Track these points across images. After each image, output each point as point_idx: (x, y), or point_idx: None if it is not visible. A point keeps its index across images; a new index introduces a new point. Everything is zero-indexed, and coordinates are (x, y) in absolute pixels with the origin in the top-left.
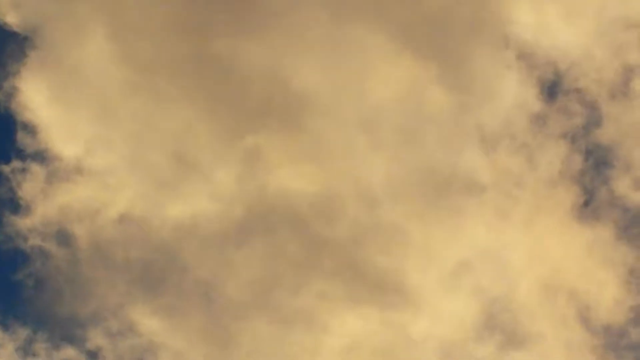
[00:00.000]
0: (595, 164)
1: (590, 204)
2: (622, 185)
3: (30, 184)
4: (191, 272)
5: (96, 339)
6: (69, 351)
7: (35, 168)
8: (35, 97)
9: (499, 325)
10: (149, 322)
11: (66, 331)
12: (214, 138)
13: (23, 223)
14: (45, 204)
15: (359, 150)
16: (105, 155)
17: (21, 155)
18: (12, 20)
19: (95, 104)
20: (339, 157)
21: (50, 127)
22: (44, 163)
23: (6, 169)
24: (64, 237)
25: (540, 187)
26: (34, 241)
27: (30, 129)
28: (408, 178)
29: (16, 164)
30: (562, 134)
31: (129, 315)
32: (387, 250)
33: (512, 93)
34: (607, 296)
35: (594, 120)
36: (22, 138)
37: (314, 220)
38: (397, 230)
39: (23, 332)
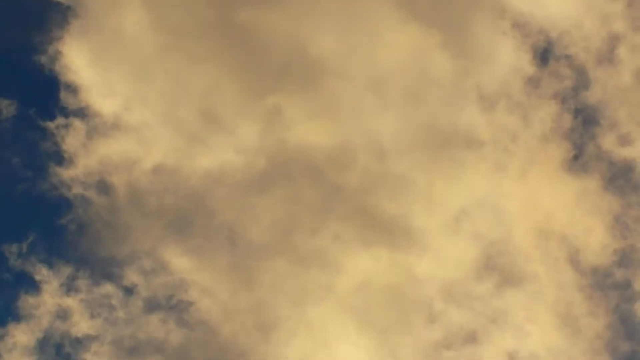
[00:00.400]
0: (583, 122)
1: (579, 158)
2: (607, 142)
3: (72, 139)
4: (217, 217)
5: (132, 276)
6: (108, 287)
7: (77, 124)
8: (77, 59)
9: (496, 266)
10: (179, 262)
11: (105, 269)
12: (239, 96)
13: (66, 174)
14: (86, 157)
15: (369, 108)
16: (141, 112)
17: (64, 112)
18: None
19: (131, 65)
20: (352, 114)
21: (91, 86)
22: (85, 119)
23: (51, 125)
24: (103, 186)
25: (533, 142)
26: (77, 190)
27: (73, 89)
28: (413, 133)
29: (60, 120)
30: (553, 95)
31: (162, 255)
32: (394, 197)
33: (508, 58)
34: (594, 240)
35: (582, 83)
36: (65, 97)
37: (329, 170)
38: (403, 180)
39: (66, 270)
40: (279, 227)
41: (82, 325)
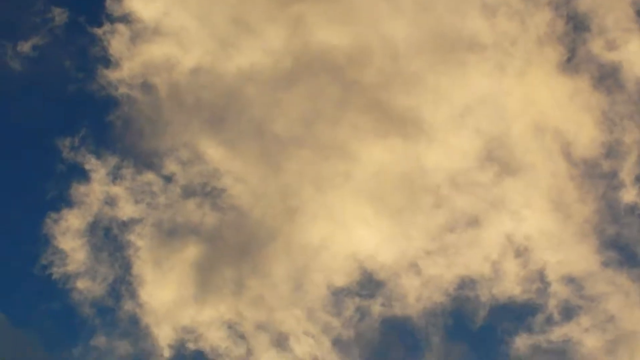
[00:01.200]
0: (574, 28)
1: (571, 60)
2: (597, 46)
3: (118, 43)
4: (248, 112)
5: (171, 166)
6: (149, 176)
7: (122, 29)
8: None
9: (496, 157)
10: (213, 152)
11: (147, 160)
12: (267, 4)
13: (113, 75)
14: (130, 59)
15: (385, 14)
16: (179, 18)
17: (110, 19)
18: None
19: None
20: (369, 20)
21: None
22: (129, 25)
23: (98, 31)
24: (145, 86)
25: (530, 46)
26: (122, 89)
27: None
28: (423, 36)
29: (107, 27)
30: (548, 2)
31: (197, 147)
32: (407, 92)
33: None
34: (585, 134)
35: None
36: (110, 5)
37: (348, 69)
38: (414, 77)
39: (112, 161)
40: (302, 121)
41: (126, 210)
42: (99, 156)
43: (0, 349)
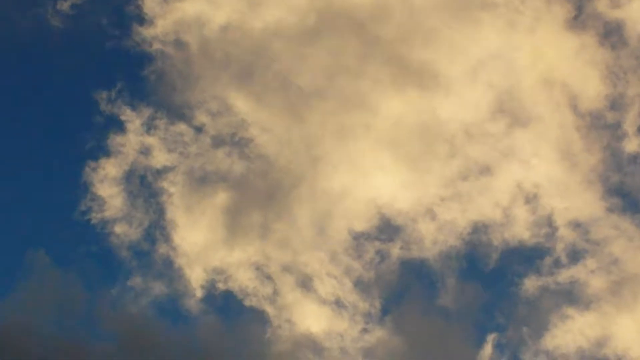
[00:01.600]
0: None
1: (579, 17)
2: (602, 4)
3: (152, 2)
4: (274, 66)
5: (201, 117)
6: (181, 126)
7: None
8: None
9: (507, 109)
10: (241, 104)
11: (179, 112)
12: None
13: (147, 32)
14: (164, 17)
15: None
16: None
17: None
18: None
19: None
20: None
21: None
22: None
23: None
24: (178, 42)
25: (539, 3)
26: (156, 46)
27: None
28: None
29: None
30: None
31: (227, 99)
32: (424, 47)
33: None
34: (591, 88)
35: None
36: None
37: (369, 24)
38: (432, 33)
39: (147, 112)
40: (325, 74)
41: (160, 158)
42: (134, 108)
43: (44, 288)
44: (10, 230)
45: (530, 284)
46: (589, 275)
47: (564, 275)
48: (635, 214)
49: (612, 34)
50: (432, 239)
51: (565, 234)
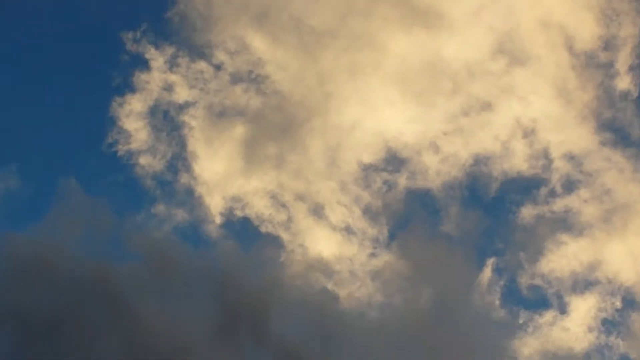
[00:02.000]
0: None
1: None
2: None
3: None
4: (289, 7)
5: (220, 55)
6: (201, 64)
7: None
8: None
9: (507, 49)
10: (258, 44)
11: (200, 50)
12: None
13: None
14: None
15: None
16: None
17: None
18: None
19: None
20: None
21: None
22: None
23: None
24: None
25: None
26: None
27: None
28: None
29: None
30: None
31: (244, 39)
32: None
33: None
34: (585, 29)
35: None
36: None
37: None
38: None
39: (170, 50)
40: (337, 14)
41: (182, 94)
42: (157, 47)
43: (76, 214)
44: (44, 160)
45: (527, 212)
46: (582, 204)
47: (559, 204)
48: (626, 147)
49: None
50: (436, 170)
51: (560, 166)
